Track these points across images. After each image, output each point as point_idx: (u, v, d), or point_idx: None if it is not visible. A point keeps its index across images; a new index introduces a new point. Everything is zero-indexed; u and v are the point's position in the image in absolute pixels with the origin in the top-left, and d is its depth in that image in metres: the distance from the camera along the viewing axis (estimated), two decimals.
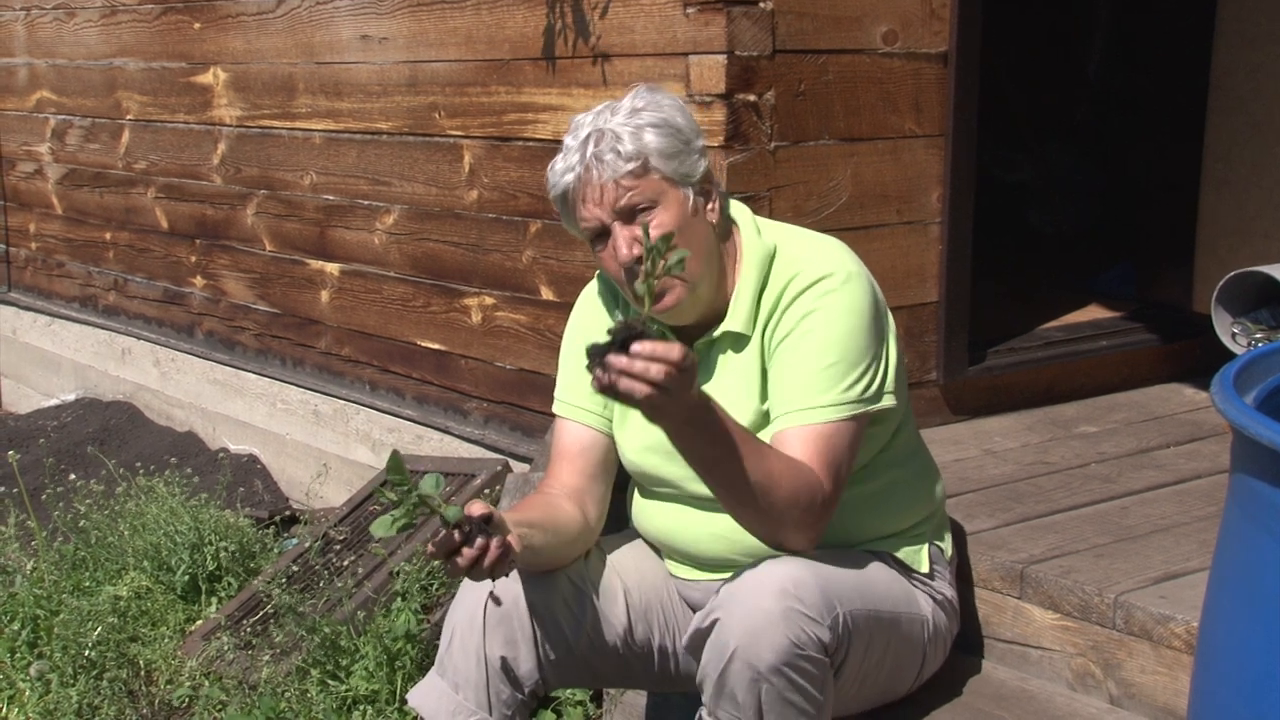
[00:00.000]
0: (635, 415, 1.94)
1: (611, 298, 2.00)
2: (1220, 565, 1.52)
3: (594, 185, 1.81)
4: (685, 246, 1.79)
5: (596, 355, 1.55)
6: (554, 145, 2.99)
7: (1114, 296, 3.71)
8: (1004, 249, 4.24)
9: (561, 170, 1.86)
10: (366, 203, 3.61)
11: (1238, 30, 3.22)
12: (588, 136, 1.83)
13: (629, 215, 1.82)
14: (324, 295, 3.83)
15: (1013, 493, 2.56)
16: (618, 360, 1.54)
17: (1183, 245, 3.43)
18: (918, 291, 2.85)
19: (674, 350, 1.55)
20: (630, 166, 1.80)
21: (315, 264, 3.84)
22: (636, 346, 1.53)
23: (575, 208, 1.85)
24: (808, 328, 1.82)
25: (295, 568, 3.17)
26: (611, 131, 1.82)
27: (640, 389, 1.54)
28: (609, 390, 1.55)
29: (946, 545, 2.09)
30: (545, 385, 3.18)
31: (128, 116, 4.54)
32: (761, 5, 2.56)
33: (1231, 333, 2.97)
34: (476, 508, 1.65)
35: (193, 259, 4.39)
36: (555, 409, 2.02)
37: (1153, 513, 2.43)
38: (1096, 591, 2.10)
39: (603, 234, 1.84)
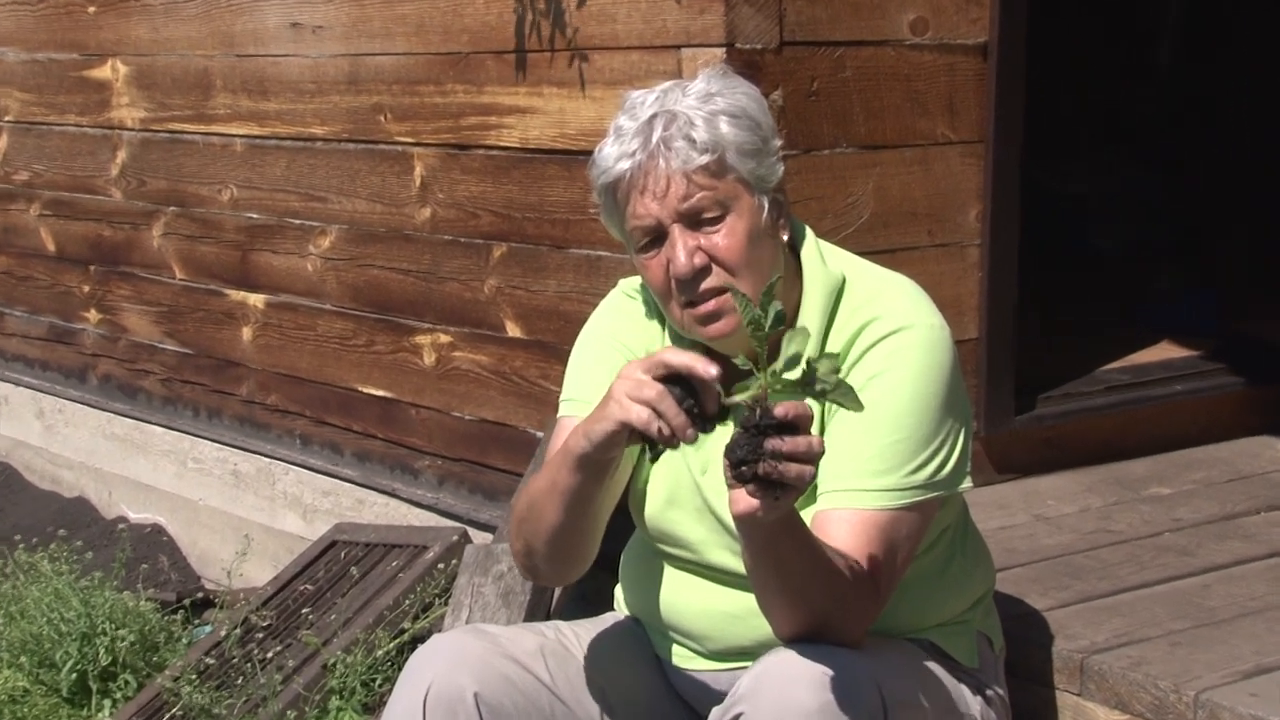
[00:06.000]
0: (659, 464, 1.94)
1: (653, 307, 1.99)
2: None
3: (658, 176, 1.80)
4: (755, 265, 1.82)
5: (744, 445, 1.53)
6: (521, 154, 3.06)
7: (1190, 331, 3.75)
8: (1057, 275, 4.29)
9: (615, 155, 1.83)
10: (298, 222, 3.63)
11: None
12: (652, 118, 1.81)
13: (692, 219, 1.81)
14: (246, 332, 3.84)
15: (1070, 567, 2.58)
16: (792, 443, 1.51)
17: (1272, 270, 3.48)
18: (954, 327, 2.83)
19: (809, 409, 1.56)
20: (705, 160, 1.79)
21: (236, 295, 3.85)
22: (780, 410, 1.52)
23: (628, 202, 1.84)
24: (876, 394, 1.81)
25: (209, 661, 3.16)
26: (684, 115, 1.81)
27: (810, 471, 1.54)
28: (770, 482, 1.52)
29: (996, 633, 2.11)
30: (511, 439, 3.21)
31: (5, 118, 4.57)
32: None
33: None
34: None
35: (86, 289, 4.40)
36: (564, 411, 2.00)
37: (1240, 592, 2.45)
38: (1173, 688, 2.12)
39: (656, 237, 1.84)
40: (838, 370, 1.57)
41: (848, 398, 1.57)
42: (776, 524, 1.63)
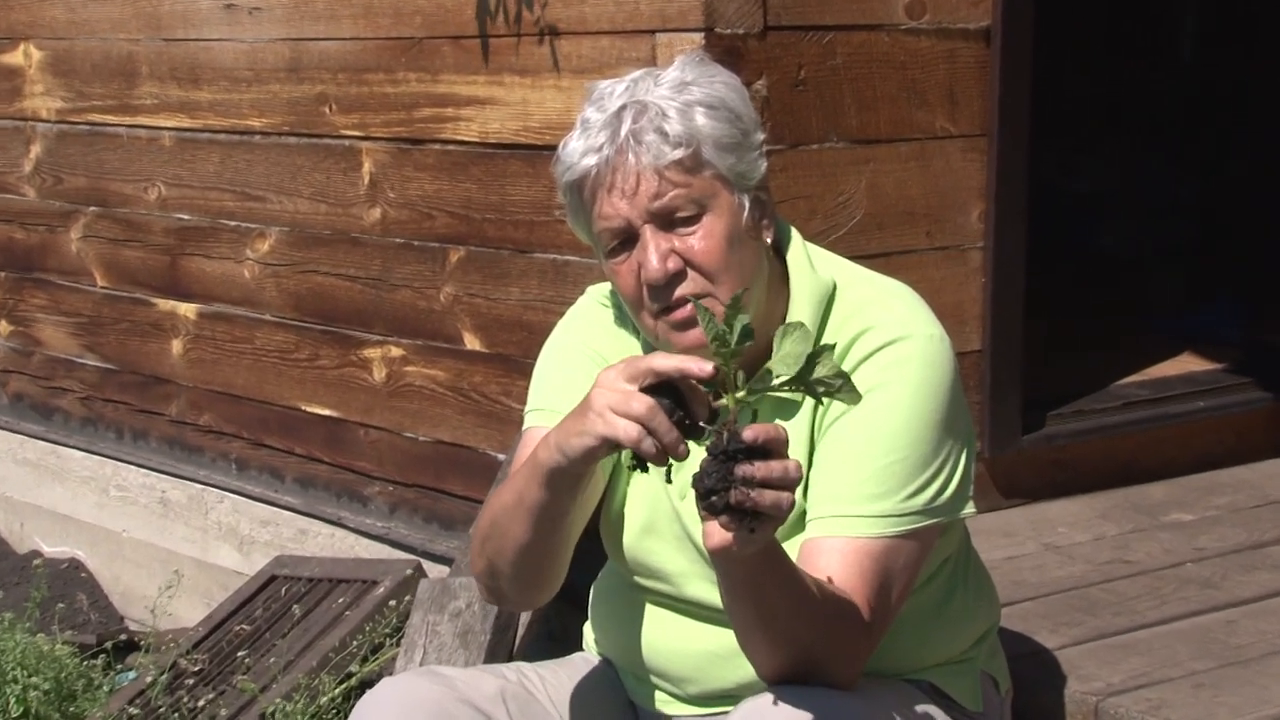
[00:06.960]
0: (636, 486, 1.95)
1: (626, 315, 2.00)
2: None
3: (627, 172, 1.81)
4: (734, 269, 1.82)
5: (712, 473, 1.52)
6: (480, 149, 3.06)
7: (1213, 341, 3.78)
8: (1067, 280, 4.31)
9: (581, 151, 1.84)
10: (234, 223, 3.62)
11: None
12: (621, 109, 1.83)
13: (665, 220, 1.82)
14: (176, 345, 3.83)
15: (1084, 601, 2.59)
16: (765, 468, 1.50)
17: None
18: (955, 338, 2.85)
19: (781, 431, 1.55)
20: (678, 154, 1.80)
21: (164, 304, 3.84)
22: (749, 433, 1.52)
23: (595, 201, 1.85)
24: (870, 410, 1.81)
25: (133, 711, 3.14)
26: (655, 106, 1.82)
27: (787, 498, 1.54)
28: (744, 512, 1.51)
29: (1002, 673, 2.12)
30: (470, 462, 3.21)
31: None
32: None
33: None
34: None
35: None
36: (530, 422, 2.01)
37: (1269, 629, 2.46)
38: None
39: (626, 239, 1.85)
40: (838, 368, 1.56)
41: (848, 393, 1.57)
42: (755, 558, 1.62)
